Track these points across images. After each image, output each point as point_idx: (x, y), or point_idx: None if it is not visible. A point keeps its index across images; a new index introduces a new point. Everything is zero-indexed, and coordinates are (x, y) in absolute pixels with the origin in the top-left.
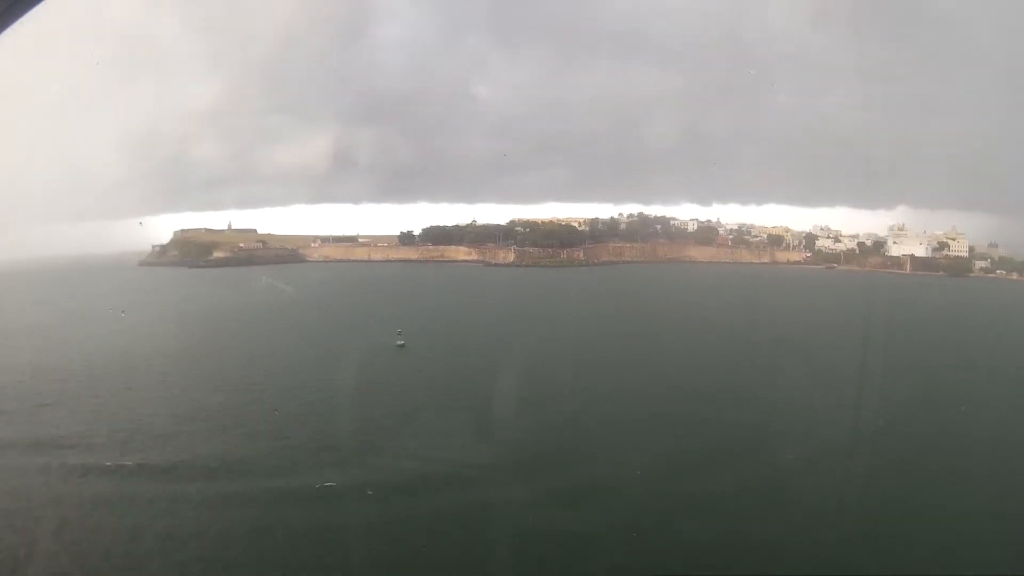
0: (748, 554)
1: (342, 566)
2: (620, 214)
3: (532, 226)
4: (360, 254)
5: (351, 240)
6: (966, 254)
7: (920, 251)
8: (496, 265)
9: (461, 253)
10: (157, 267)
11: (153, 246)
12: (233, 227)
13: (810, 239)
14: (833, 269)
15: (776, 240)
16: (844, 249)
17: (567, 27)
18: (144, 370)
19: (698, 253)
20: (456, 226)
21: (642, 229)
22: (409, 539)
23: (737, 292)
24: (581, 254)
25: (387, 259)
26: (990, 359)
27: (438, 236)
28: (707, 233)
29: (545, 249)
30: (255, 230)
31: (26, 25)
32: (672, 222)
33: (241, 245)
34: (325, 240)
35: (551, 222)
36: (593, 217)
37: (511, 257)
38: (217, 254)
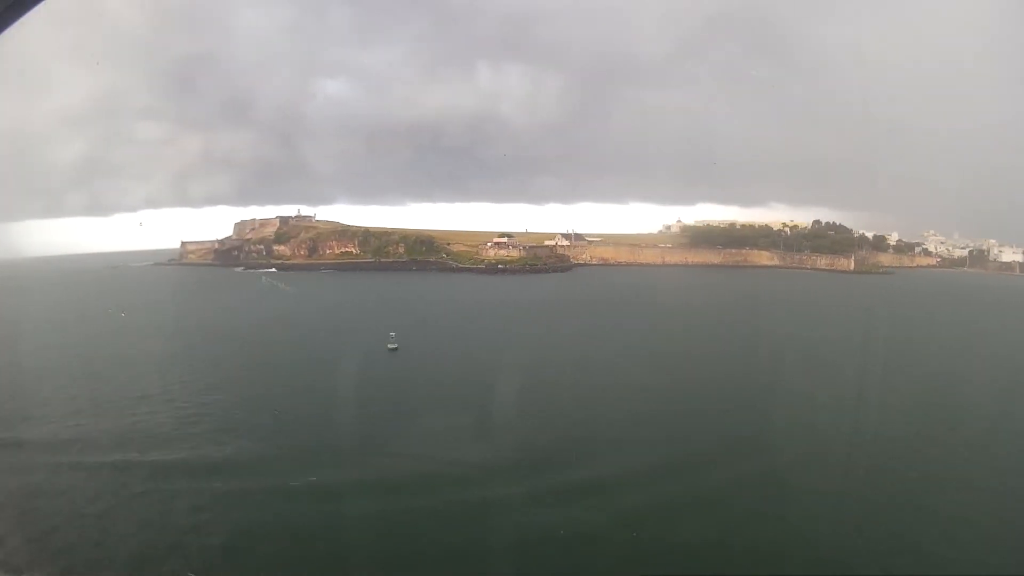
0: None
1: None
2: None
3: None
4: (649, 257)
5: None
6: None
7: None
8: (808, 270)
9: (764, 258)
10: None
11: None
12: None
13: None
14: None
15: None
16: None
17: None
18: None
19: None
20: (750, 226)
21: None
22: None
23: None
24: (851, 263)
25: (686, 263)
26: None
27: (737, 239)
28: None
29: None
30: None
31: (26, 25)
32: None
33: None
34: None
35: (796, 226)
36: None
37: (821, 262)
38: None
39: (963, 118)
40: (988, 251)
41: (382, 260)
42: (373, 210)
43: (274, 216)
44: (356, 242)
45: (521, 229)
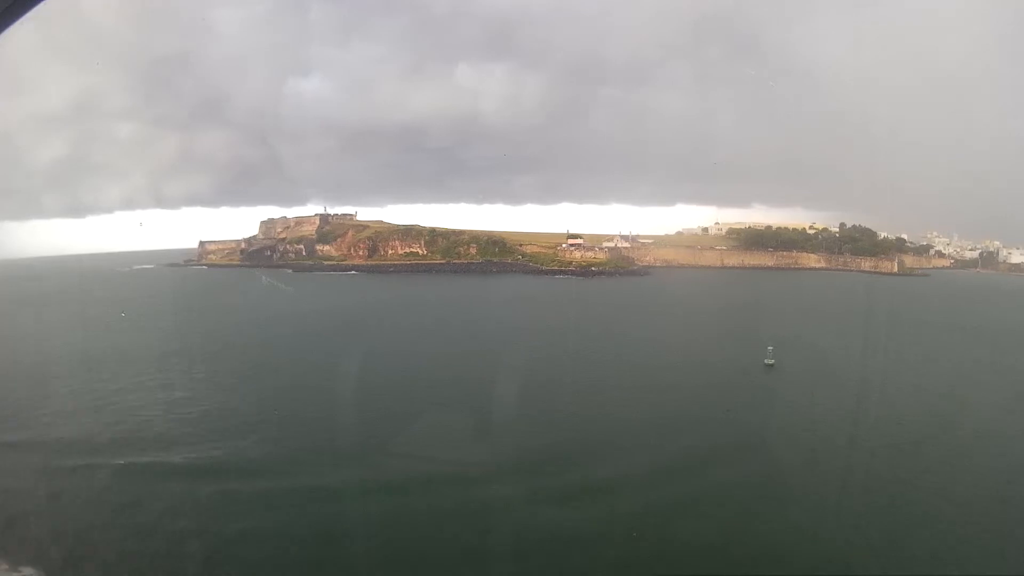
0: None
1: None
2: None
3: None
4: (709, 259)
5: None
6: None
7: None
8: (854, 272)
9: (812, 260)
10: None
11: None
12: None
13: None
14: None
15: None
16: (971, 257)
17: None
18: None
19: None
20: (784, 228)
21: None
22: None
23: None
24: (894, 265)
25: (744, 265)
26: None
27: (786, 242)
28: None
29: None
30: None
31: (26, 25)
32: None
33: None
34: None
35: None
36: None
37: (865, 264)
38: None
39: (957, 121)
40: (997, 252)
41: (453, 261)
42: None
43: (308, 215)
44: (423, 242)
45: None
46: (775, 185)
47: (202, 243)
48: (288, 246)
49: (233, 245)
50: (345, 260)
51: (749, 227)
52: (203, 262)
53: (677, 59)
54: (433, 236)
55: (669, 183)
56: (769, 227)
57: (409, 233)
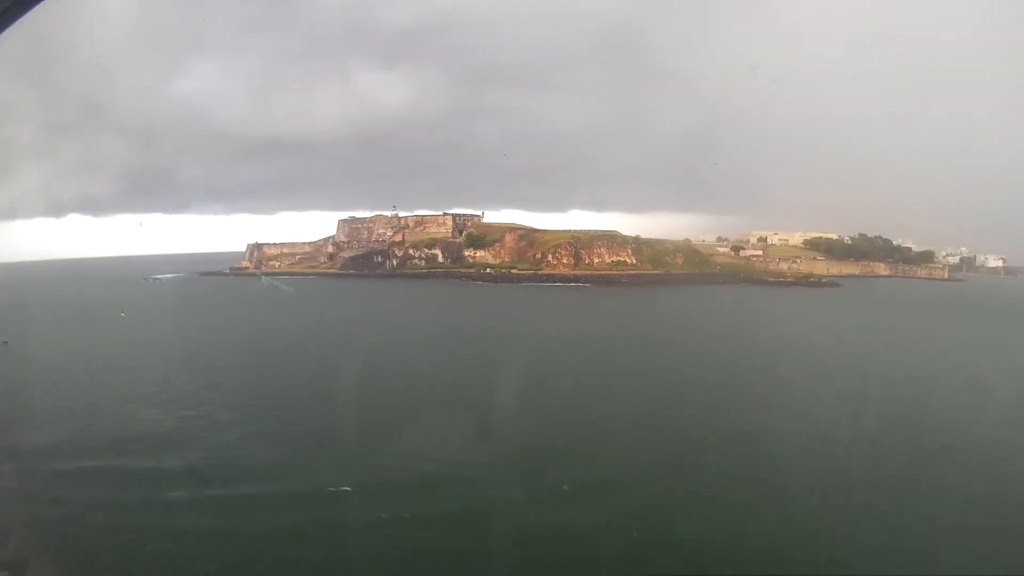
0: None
1: None
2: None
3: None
4: (821, 268)
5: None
6: None
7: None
8: (915, 279)
9: (881, 268)
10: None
11: None
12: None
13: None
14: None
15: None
16: (954, 263)
17: None
18: None
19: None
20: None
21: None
22: None
23: None
24: (945, 272)
25: (846, 274)
26: None
27: (858, 251)
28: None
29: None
30: None
31: (26, 25)
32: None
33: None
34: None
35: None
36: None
37: (920, 272)
38: None
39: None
40: (974, 258)
41: (668, 272)
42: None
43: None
44: (629, 250)
45: None
46: (674, 191)
47: (257, 246)
48: (412, 251)
49: (302, 249)
50: (513, 268)
51: (819, 237)
52: (262, 270)
53: (576, 68)
54: (638, 244)
55: (564, 189)
56: (820, 237)
57: (615, 240)
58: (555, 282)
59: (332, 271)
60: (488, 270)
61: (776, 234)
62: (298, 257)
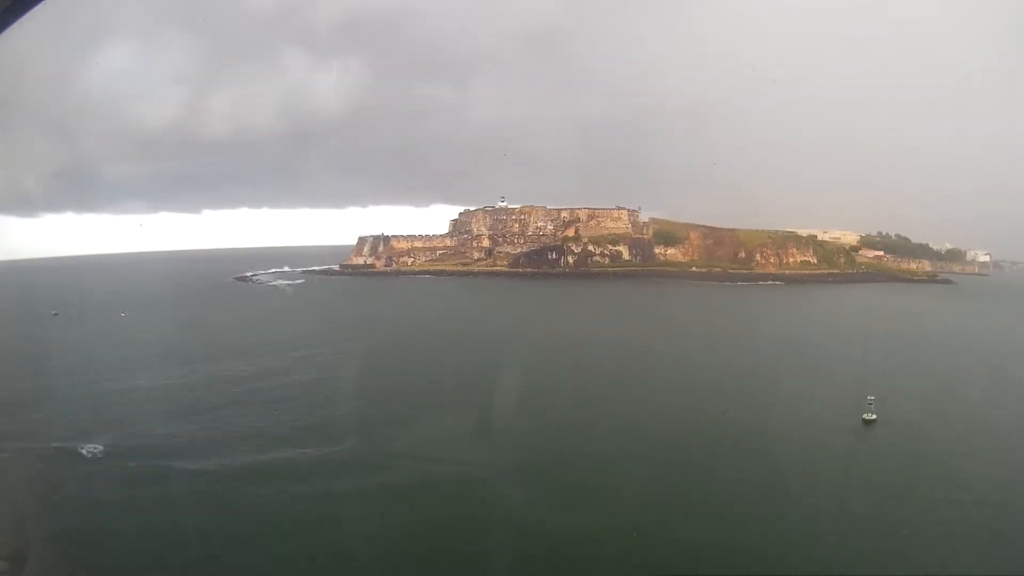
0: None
1: None
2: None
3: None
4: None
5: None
6: None
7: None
8: (957, 275)
9: (926, 266)
10: None
11: None
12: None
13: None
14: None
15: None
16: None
17: None
18: None
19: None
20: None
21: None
22: None
23: None
24: (976, 267)
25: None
26: None
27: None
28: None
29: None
30: None
31: (26, 25)
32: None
33: None
34: None
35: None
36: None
37: (955, 268)
38: None
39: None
40: (966, 253)
41: (842, 272)
42: None
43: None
44: (810, 250)
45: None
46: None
47: (384, 239)
48: (592, 247)
49: (440, 243)
50: (702, 267)
51: (897, 236)
52: (391, 268)
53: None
54: (813, 244)
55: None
56: (869, 236)
57: (799, 241)
58: (759, 280)
59: (490, 269)
60: (693, 268)
61: (826, 232)
62: (439, 252)
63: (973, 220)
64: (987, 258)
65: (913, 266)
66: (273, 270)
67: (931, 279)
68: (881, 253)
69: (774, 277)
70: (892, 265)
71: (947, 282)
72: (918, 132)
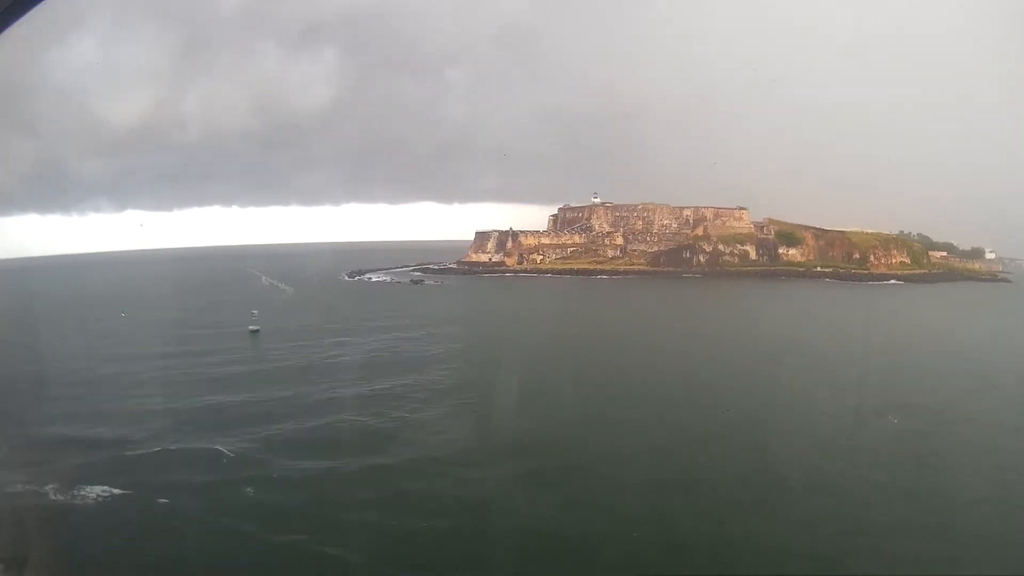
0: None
1: None
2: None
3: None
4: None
5: None
6: None
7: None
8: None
9: (977, 265)
10: None
11: None
12: None
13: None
14: None
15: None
16: None
17: None
18: None
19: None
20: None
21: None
22: None
23: None
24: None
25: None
26: None
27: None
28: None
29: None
30: None
31: (26, 25)
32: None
33: None
34: None
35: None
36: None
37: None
38: None
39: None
40: (984, 251)
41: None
42: None
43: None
44: (906, 251)
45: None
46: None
47: (512, 235)
48: (721, 246)
49: (571, 240)
50: (826, 267)
51: (919, 235)
52: (516, 267)
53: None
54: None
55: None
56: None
57: (898, 242)
58: (880, 280)
59: (628, 268)
60: (817, 268)
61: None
62: (570, 250)
63: (977, 218)
64: (992, 255)
65: (977, 266)
66: (395, 268)
67: (992, 278)
68: (945, 253)
69: (890, 277)
70: (959, 265)
71: (1006, 280)
72: (918, 132)
